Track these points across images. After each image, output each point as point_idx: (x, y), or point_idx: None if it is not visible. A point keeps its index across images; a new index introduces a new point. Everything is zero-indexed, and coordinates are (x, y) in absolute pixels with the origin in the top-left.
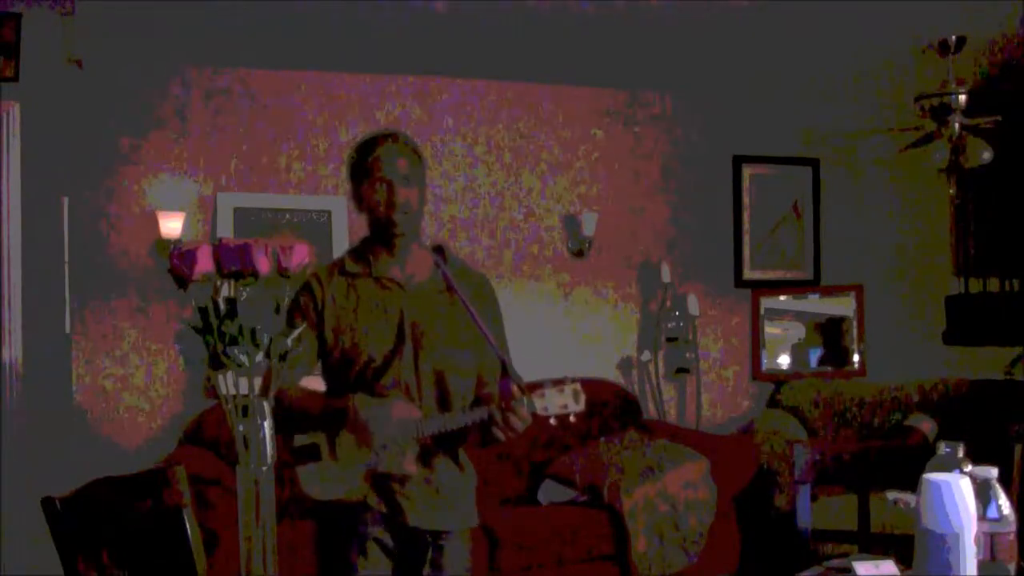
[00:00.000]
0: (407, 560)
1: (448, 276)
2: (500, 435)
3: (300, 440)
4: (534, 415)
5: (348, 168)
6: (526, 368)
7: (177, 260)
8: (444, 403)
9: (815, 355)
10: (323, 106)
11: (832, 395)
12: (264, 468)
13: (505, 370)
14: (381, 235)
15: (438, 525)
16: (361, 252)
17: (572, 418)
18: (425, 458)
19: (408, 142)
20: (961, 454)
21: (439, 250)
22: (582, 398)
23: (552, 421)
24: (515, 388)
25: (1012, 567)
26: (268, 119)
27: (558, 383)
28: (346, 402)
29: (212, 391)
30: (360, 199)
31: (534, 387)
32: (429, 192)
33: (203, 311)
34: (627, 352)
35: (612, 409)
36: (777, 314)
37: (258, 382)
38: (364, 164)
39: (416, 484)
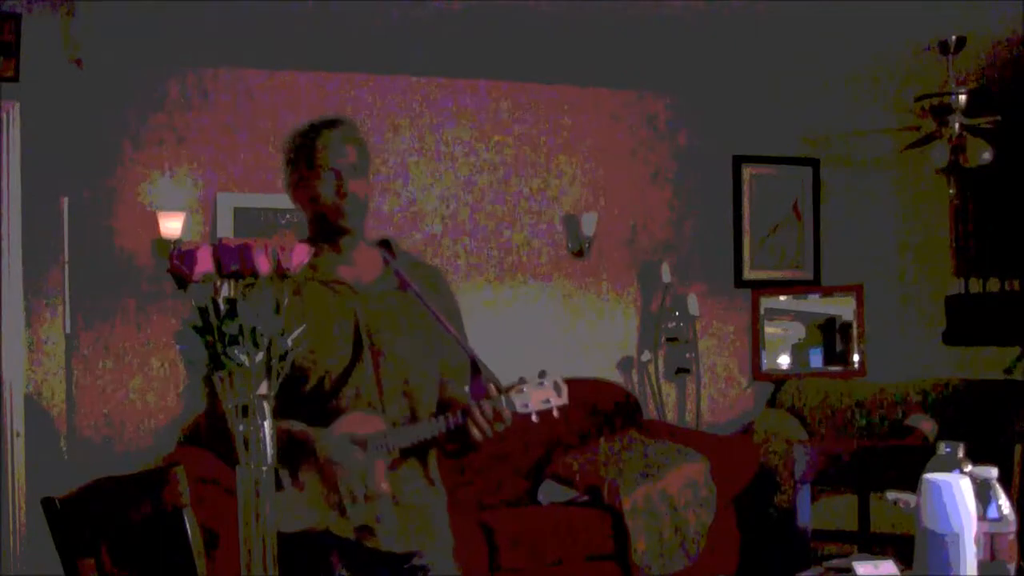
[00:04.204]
0: None
1: (401, 273)
2: (478, 436)
3: None
4: (514, 414)
5: (286, 158)
6: (526, 368)
7: (177, 260)
8: (411, 412)
9: (815, 355)
10: (323, 106)
11: (832, 395)
12: (264, 468)
13: (476, 367)
14: (326, 232)
15: (412, 546)
16: None
17: (555, 412)
18: (392, 471)
19: (353, 129)
20: (961, 454)
21: (386, 244)
22: (564, 391)
23: (534, 418)
24: (491, 387)
25: (1012, 567)
26: (268, 119)
27: (537, 378)
28: (307, 435)
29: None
30: (300, 192)
31: (511, 385)
32: (430, 192)
33: (203, 311)
34: (627, 352)
35: (612, 409)
36: (777, 314)
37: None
38: (307, 153)
39: (384, 503)
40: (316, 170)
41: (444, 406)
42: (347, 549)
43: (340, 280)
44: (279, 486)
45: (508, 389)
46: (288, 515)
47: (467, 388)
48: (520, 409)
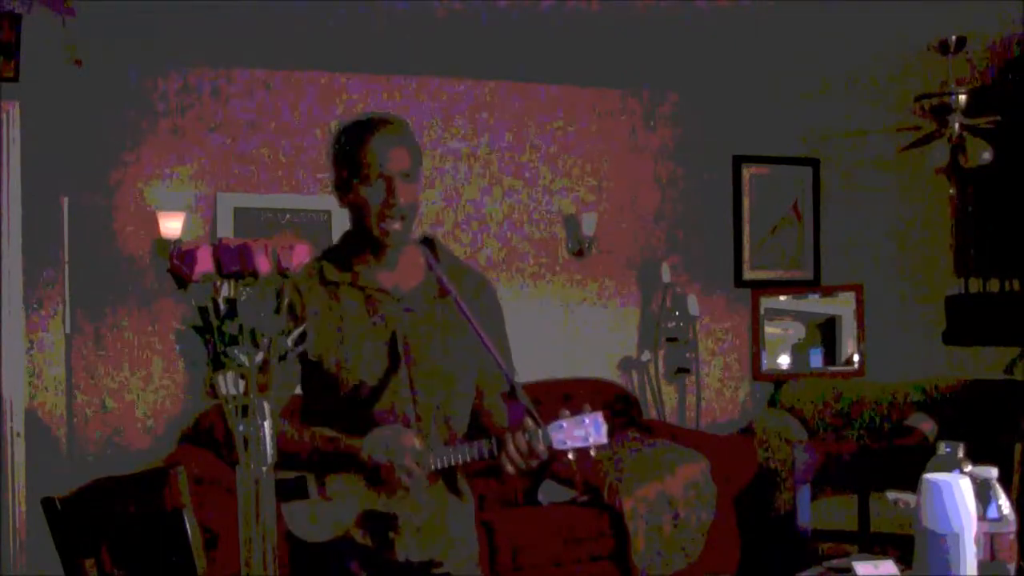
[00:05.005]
0: None
1: (443, 281)
2: (511, 469)
3: (284, 473)
4: (549, 449)
5: (333, 154)
6: (526, 369)
7: (177, 260)
8: (447, 427)
9: (815, 355)
10: (323, 106)
11: (832, 395)
12: (264, 468)
13: (514, 392)
14: (370, 239)
15: (432, 555)
16: (343, 254)
17: (593, 452)
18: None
19: (406, 130)
20: (961, 454)
21: (429, 243)
22: (604, 429)
23: (570, 455)
24: (528, 420)
25: (1012, 567)
26: (269, 119)
27: (576, 411)
28: (357, 448)
29: (212, 391)
30: (347, 193)
31: (549, 414)
32: (430, 192)
33: (203, 311)
34: (627, 352)
35: (612, 409)
36: (777, 314)
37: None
38: (357, 153)
39: (408, 515)
40: (366, 176)
41: (476, 415)
42: (368, 556)
43: (380, 287)
44: (305, 495)
45: (545, 421)
46: (314, 525)
47: (502, 403)
48: (557, 445)
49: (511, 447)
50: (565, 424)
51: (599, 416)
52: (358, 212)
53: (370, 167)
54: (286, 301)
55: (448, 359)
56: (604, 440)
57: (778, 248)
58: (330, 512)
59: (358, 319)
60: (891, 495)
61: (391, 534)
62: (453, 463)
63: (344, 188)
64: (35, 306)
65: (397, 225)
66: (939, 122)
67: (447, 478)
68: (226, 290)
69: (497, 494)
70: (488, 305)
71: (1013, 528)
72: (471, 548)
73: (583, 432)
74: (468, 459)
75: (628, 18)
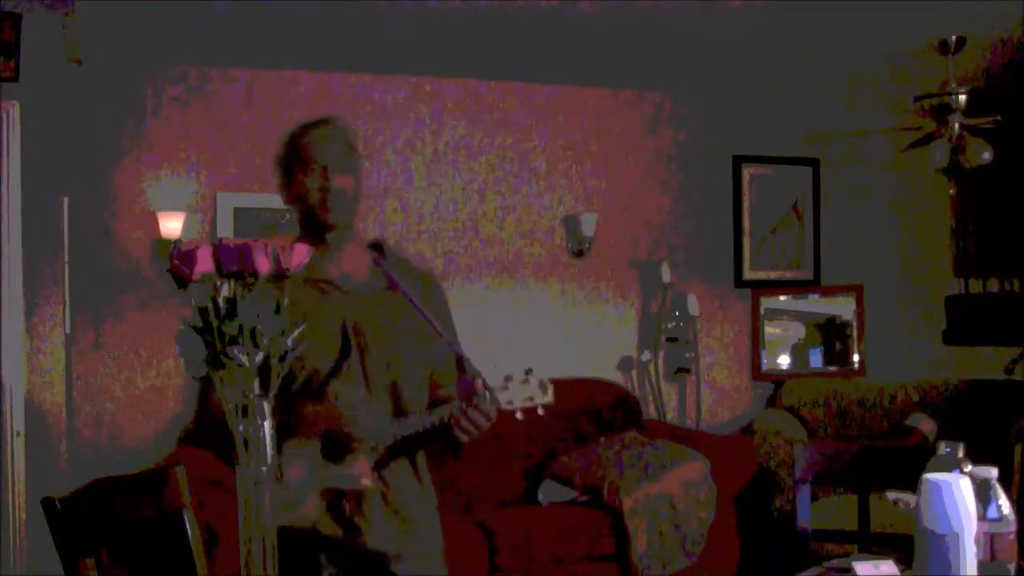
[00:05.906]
0: None
1: (390, 273)
2: (462, 436)
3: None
4: (499, 410)
5: (277, 157)
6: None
7: (177, 260)
8: (400, 411)
9: (815, 355)
10: (323, 106)
11: (832, 395)
12: (264, 468)
13: (462, 365)
14: (315, 230)
15: (399, 548)
16: None
17: (540, 411)
18: (380, 471)
19: (343, 128)
20: (961, 454)
21: (378, 247)
22: (550, 389)
23: (518, 415)
24: (476, 383)
25: (1012, 567)
26: (268, 119)
27: (524, 375)
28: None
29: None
30: (290, 189)
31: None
32: (431, 192)
33: (203, 311)
34: (627, 352)
35: (612, 409)
36: (777, 314)
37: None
38: (296, 150)
39: (373, 502)
40: (303, 166)
41: (435, 407)
42: (335, 548)
43: (327, 279)
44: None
45: (493, 386)
46: (273, 508)
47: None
48: (504, 405)
49: (458, 413)
50: (511, 385)
51: (545, 379)
52: (301, 203)
53: (309, 157)
54: (286, 301)
55: (398, 346)
56: (551, 400)
57: (778, 248)
58: (288, 494)
59: (309, 310)
60: (891, 495)
61: (357, 519)
62: (407, 433)
63: (288, 183)
64: (35, 306)
65: (335, 204)
66: (939, 122)
67: (407, 462)
68: (226, 290)
69: (497, 494)
70: (436, 300)
71: (1013, 528)
72: (436, 542)
73: (528, 392)
74: (421, 427)
75: (628, 18)
